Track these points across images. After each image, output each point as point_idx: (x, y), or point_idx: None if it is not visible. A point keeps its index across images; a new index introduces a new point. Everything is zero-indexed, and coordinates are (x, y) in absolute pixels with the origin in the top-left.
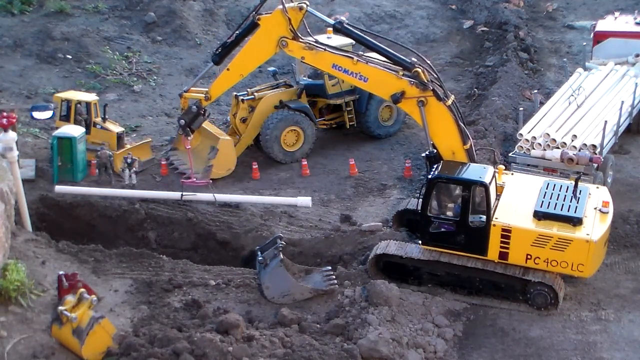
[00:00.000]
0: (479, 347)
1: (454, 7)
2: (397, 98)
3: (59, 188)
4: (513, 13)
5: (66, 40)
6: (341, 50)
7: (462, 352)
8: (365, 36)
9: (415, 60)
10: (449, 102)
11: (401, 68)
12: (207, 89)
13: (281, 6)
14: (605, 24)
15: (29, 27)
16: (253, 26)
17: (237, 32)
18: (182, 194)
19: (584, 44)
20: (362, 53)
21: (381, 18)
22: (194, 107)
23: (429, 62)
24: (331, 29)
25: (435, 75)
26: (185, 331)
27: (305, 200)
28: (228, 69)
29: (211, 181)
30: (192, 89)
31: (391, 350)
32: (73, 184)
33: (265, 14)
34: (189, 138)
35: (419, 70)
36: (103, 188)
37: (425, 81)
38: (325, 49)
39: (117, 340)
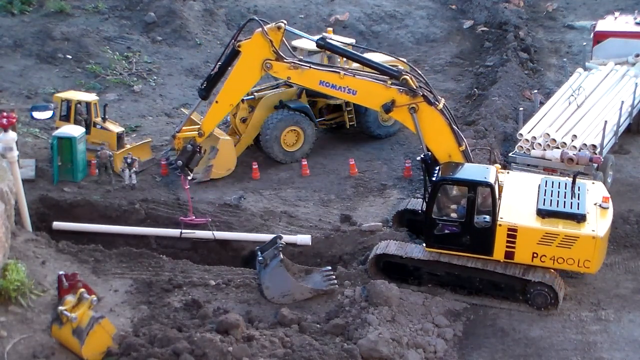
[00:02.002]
0: (479, 347)
1: (454, 7)
2: (388, 107)
3: (57, 224)
4: (513, 13)
5: (66, 40)
6: (326, 66)
7: (462, 352)
8: (348, 49)
9: (402, 67)
10: (440, 105)
11: (389, 77)
12: (199, 126)
13: (260, 29)
14: (605, 24)
15: (29, 27)
16: (235, 54)
17: (219, 63)
18: (180, 232)
19: (584, 44)
20: (348, 67)
21: (381, 18)
22: (189, 146)
23: (415, 67)
24: (331, 29)
25: (423, 81)
26: (185, 331)
27: (304, 239)
28: (217, 101)
29: (210, 219)
30: (183, 128)
31: (391, 350)
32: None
33: (245, 39)
34: (188, 178)
35: (407, 77)
36: (106, 225)
37: (414, 87)
38: (310, 67)
39: (117, 340)
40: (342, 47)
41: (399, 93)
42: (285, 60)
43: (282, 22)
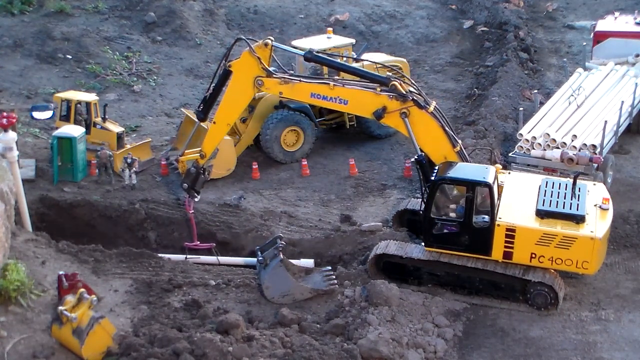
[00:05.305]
0: (479, 347)
1: (454, 7)
2: (379, 114)
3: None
4: (513, 13)
5: (66, 40)
6: (316, 78)
7: (462, 352)
8: (336, 60)
9: (390, 74)
10: (431, 108)
11: (378, 84)
12: (200, 148)
13: (248, 47)
14: (605, 24)
15: (29, 27)
16: (227, 74)
17: (212, 84)
18: (185, 257)
19: (584, 44)
20: (339, 78)
21: (381, 18)
22: (193, 168)
23: (404, 73)
24: (331, 29)
25: (413, 85)
26: (185, 331)
27: (308, 262)
28: (214, 122)
29: (214, 244)
30: (186, 151)
31: (391, 350)
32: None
33: (235, 59)
34: (195, 199)
35: (396, 83)
36: None
37: (404, 92)
38: (300, 80)
39: (117, 340)
40: (328, 58)
41: (390, 99)
42: (275, 76)
43: (269, 38)
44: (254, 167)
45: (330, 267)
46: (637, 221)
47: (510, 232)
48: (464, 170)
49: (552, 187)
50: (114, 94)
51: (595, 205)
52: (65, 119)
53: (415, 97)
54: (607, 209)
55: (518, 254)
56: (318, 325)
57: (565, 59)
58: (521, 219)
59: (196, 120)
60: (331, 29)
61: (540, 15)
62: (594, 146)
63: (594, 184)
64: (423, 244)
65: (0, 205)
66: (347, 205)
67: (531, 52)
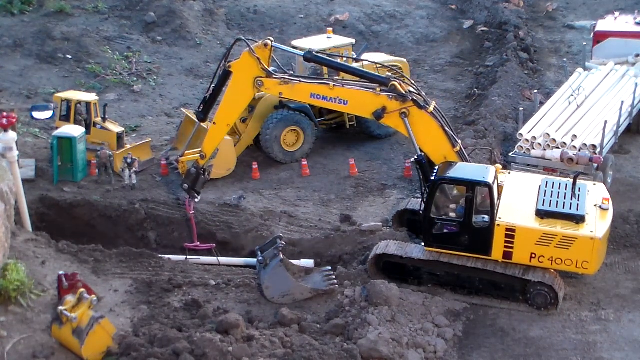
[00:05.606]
0: (479, 347)
1: (454, 7)
2: (379, 114)
3: None
4: (513, 13)
5: (66, 40)
6: (316, 78)
7: (462, 352)
8: (335, 60)
9: (390, 74)
10: (431, 108)
11: (378, 85)
12: (200, 149)
13: (247, 48)
14: (605, 24)
15: (29, 27)
16: (226, 75)
17: (212, 85)
18: (186, 257)
19: (584, 44)
20: (339, 78)
21: (381, 18)
22: (193, 169)
23: (403, 73)
24: (331, 29)
25: (413, 85)
26: (185, 331)
27: (308, 262)
28: (214, 123)
29: (214, 245)
30: (186, 152)
31: (391, 350)
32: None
33: (235, 60)
34: (196, 200)
35: (396, 83)
36: None
37: (404, 92)
38: (300, 81)
39: (117, 340)
40: (328, 58)
41: (389, 99)
42: (275, 77)
43: (269, 38)
44: (254, 167)
45: (330, 267)
46: (637, 221)
47: (510, 232)
48: (464, 170)
49: (552, 187)
50: (114, 94)
51: (595, 205)
52: (65, 119)
53: (415, 97)
54: (607, 209)
55: (518, 254)
56: (318, 325)
57: (565, 59)
58: (521, 219)
59: (196, 120)
60: (331, 29)
61: (540, 15)
62: (594, 146)
63: (594, 184)
64: (423, 244)
65: (0, 205)
66: (347, 205)
67: (531, 52)
